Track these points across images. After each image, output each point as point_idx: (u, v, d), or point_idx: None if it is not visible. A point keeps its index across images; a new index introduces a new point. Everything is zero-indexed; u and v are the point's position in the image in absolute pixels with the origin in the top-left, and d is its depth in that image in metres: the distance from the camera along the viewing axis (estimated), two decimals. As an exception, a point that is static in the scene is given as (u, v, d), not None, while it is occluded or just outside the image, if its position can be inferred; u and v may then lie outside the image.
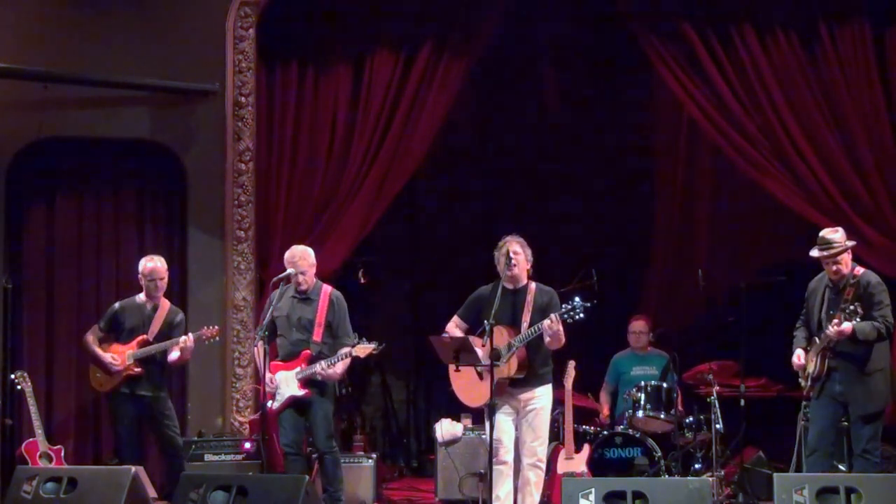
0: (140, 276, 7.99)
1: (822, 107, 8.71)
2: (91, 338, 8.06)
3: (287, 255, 7.65)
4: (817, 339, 7.15)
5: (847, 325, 6.90)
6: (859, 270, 7.16)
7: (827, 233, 7.20)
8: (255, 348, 7.91)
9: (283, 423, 7.58)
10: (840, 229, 7.24)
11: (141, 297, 8.05)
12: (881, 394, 7.08)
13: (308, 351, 7.51)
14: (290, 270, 7.53)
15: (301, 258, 7.59)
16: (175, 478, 7.02)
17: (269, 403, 7.53)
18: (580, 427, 8.53)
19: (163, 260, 8.05)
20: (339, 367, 7.52)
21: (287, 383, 7.49)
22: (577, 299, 6.85)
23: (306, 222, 8.94)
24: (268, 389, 7.48)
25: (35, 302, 8.92)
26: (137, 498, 6.42)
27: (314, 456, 7.85)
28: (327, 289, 7.65)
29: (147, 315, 7.99)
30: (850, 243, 7.17)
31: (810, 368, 7.17)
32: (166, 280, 8.02)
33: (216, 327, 7.99)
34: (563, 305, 6.90)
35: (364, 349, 7.43)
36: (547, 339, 7.00)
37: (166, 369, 8.03)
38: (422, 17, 9.06)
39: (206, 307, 8.65)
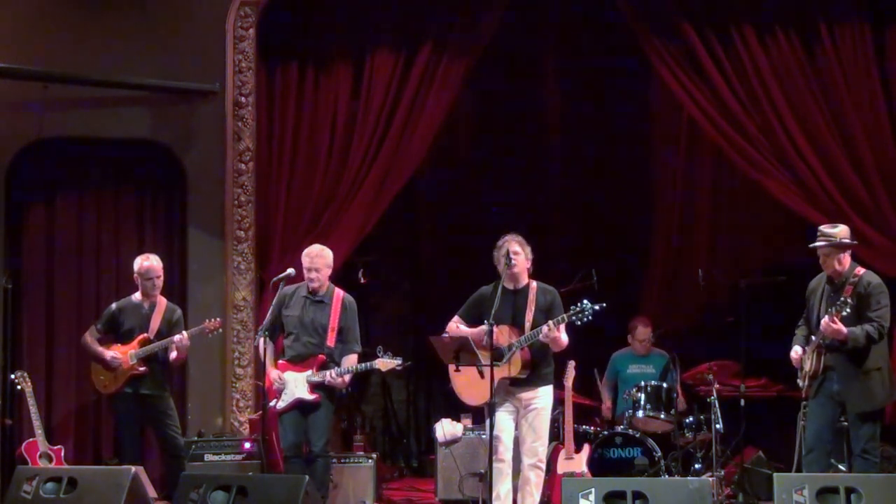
0: (136, 275, 7.98)
1: (822, 107, 8.70)
2: (90, 338, 8.05)
3: (303, 253, 7.63)
4: (814, 338, 7.15)
5: (843, 329, 6.87)
6: (861, 270, 7.13)
7: (825, 227, 7.20)
8: (257, 346, 7.88)
9: (285, 424, 7.52)
10: (841, 226, 7.21)
11: (137, 296, 8.04)
12: (878, 393, 7.05)
13: (322, 356, 7.47)
14: (289, 271, 7.52)
15: (317, 256, 7.56)
16: (175, 478, 7.02)
17: (274, 402, 7.51)
18: (580, 427, 8.53)
19: (158, 258, 8.05)
20: (349, 377, 7.51)
21: (296, 385, 7.45)
22: (586, 302, 6.82)
23: (306, 222, 8.94)
24: (275, 387, 7.47)
25: (35, 302, 8.91)
26: (137, 498, 6.42)
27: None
28: (340, 293, 7.62)
29: (145, 314, 7.99)
30: (847, 241, 7.14)
31: (807, 366, 7.17)
32: (162, 278, 8.02)
33: (218, 319, 8.02)
34: (572, 307, 6.87)
35: (386, 364, 7.37)
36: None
37: (168, 368, 8.04)
38: (422, 17, 9.06)
39: (206, 307, 8.61)
